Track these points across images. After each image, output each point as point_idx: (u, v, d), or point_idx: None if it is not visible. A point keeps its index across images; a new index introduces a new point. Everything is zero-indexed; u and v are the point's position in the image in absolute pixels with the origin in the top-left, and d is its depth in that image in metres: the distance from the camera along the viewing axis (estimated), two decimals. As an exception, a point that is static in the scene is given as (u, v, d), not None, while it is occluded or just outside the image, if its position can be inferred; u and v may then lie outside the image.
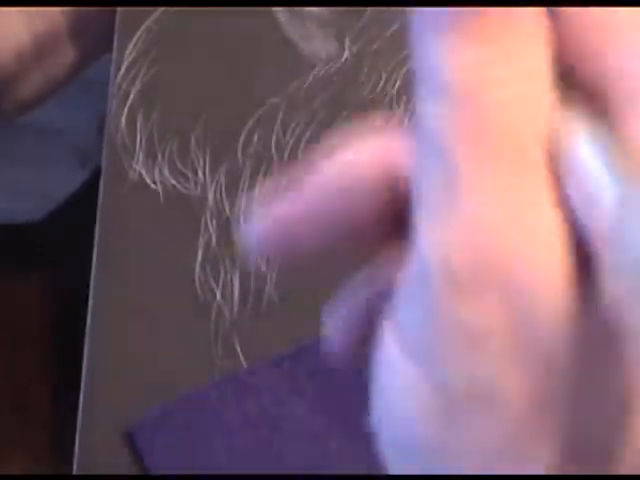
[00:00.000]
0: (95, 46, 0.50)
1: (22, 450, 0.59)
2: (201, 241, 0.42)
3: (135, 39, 0.44)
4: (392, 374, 0.23)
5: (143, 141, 0.43)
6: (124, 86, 0.44)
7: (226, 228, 0.42)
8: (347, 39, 0.44)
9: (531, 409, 0.22)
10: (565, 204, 0.22)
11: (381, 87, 0.43)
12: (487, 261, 0.21)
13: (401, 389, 0.23)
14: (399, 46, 0.43)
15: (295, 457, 0.39)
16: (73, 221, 0.62)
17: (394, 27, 0.44)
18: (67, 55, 0.50)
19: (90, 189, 0.64)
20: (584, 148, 0.22)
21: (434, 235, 0.21)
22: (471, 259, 0.21)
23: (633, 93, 0.23)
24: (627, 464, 0.23)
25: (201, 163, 0.43)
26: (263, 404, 0.40)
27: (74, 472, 0.40)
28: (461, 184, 0.21)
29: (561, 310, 0.22)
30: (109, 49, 0.45)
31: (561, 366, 0.22)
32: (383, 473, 0.33)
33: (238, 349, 0.41)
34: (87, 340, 0.41)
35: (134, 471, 0.40)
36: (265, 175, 0.43)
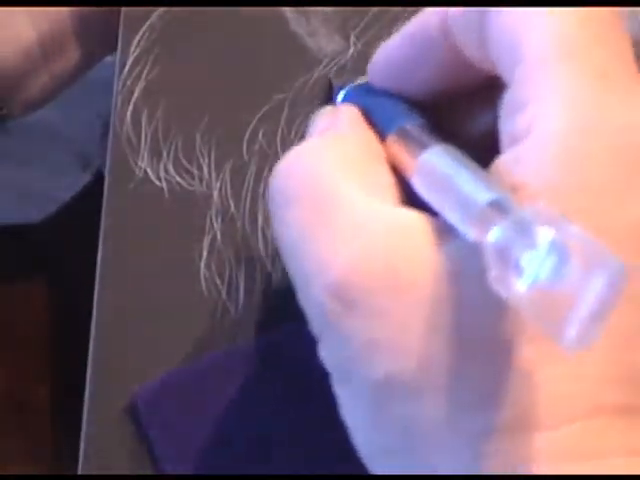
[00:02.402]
0: (101, 46, 0.50)
1: (22, 451, 0.59)
2: (206, 238, 0.42)
3: (139, 35, 0.44)
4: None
5: (148, 138, 0.43)
6: (129, 83, 0.43)
7: (231, 225, 0.42)
8: (352, 35, 0.44)
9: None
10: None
11: (387, 83, 0.43)
12: None
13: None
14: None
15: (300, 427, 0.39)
16: (75, 223, 0.62)
17: (399, 23, 0.44)
18: (73, 54, 0.50)
19: (92, 191, 0.64)
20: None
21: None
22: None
23: (537, 57, 0.26)
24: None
25: (206, 160, 0.43)
26: (267, 376, 0.40)
27: (81, 453, 0.40)
28: None
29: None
30: (115, 49, 0.45)
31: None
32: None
33: (243, 347, 0.41)
34: (92, 339, 0.41)
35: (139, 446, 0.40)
36: (270, 172, 0.42)
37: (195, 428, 0.40)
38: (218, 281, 0.41)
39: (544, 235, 0.23)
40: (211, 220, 0.42)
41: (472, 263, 0.26)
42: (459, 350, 0.26)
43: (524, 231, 0.23)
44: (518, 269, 0.23)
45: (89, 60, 0.51)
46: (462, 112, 0.33)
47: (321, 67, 0.43)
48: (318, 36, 0.44)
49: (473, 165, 0.28)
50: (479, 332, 0.26)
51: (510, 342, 0.26)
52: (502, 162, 0.28)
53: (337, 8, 0.44)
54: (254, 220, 0.42)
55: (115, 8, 0.45)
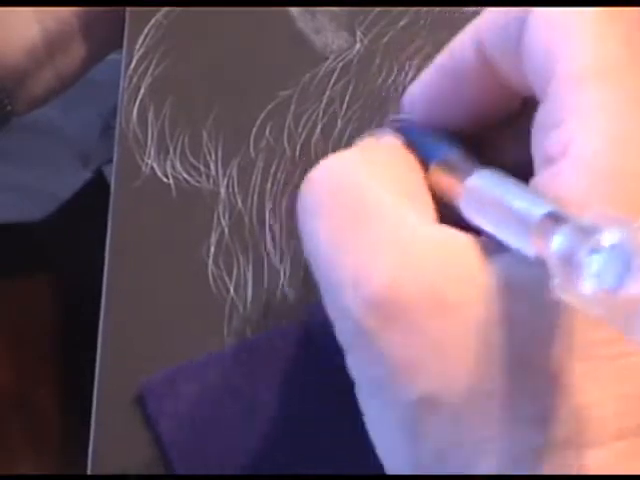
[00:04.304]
0: (105, 44, 0.50)
1: (27, 451, 0.59)
2: (214, 235, 0.42)
3: (145, 32, 0.44)
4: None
5: (155, 135, 0.43)
6: (135, 80, 0.43)
7: (239, 222, 0.42)
8: (358, 31, 0.44)
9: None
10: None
11: (393, 79, 0.43)
12: None
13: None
14: (411, 38, 0.43)
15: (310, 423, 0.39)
16: (76, 221, 0.62)
17: (405, 19, 0.44)
18: (78, 52, 0.50)
19: (92, 189, 0.64)
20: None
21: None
22: None
23: (569, 74, 0.26)
24: None
25: (213, 156, 0.43)
26: (275, 370, 0.40)
27: (90, 445, 0.40)
28: None
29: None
30: (119, 46, 0.45)
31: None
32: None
33: (250, 344, 0.41)
34: (100, 336, 0.41)
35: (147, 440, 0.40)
36: (277, 168, 0.42)
37: (202, 420, 0.40)
38: (226, 278, 0.41)
39: (608, 236, 0.23)
40: (218, 217, 0.42)
41: (522, 279, 0.26)
42: (515, 367, 0.26)
43: (587, 235, 0.23)
44: (584, 273, 0.23)
45: (93, 58, 0.51)
46: (498, 139, 0.33)
47: (327, 63, 0.43)
48: (324, 33, 0.44)
49: (520, 184, 0.28)
50: (532, 348, 0.26)
51: (562, 359, 0.26)
52: (540, 181, 0.28)
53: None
54: (261, 216, 0.42)
55: (120, 7, 0.45)
